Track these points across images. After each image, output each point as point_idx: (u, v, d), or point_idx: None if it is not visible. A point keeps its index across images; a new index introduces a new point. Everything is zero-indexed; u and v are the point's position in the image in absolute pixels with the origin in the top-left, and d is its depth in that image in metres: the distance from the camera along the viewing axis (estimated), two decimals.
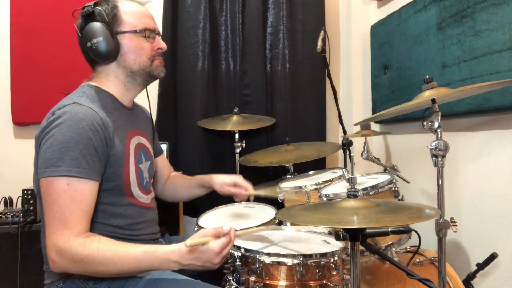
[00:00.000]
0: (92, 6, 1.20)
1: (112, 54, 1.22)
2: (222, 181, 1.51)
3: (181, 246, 1.08)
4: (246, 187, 1.51)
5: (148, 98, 1.42)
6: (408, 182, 1.83)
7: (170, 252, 1.08)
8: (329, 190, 1.63)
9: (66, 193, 1.06)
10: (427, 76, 1.31)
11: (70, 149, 1.07)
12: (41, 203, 1.17)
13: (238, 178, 1.52)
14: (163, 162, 1.58)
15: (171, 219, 2.07)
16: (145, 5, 1.32)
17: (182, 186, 1.59)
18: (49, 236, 1.06)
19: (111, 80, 1.27)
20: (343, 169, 1.25)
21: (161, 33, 1.34)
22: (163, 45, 1.30)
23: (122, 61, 1.25)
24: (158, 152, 1.54)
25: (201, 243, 1.08)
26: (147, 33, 1.26)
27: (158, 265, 1.09)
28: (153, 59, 1.29)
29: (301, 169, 2.11)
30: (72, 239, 1.05)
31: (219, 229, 1.12)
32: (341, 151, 2.18)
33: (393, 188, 1.55)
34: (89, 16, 1.20)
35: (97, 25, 1.18)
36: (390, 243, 1.49)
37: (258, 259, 1.22)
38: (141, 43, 1.25)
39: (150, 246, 1.11)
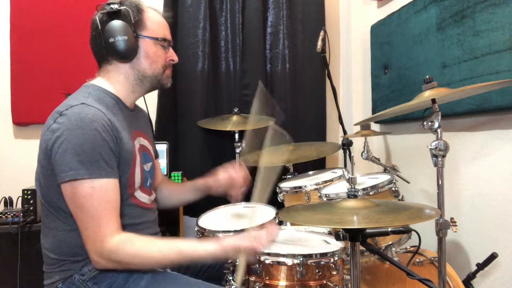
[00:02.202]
0: (119, 4, 1.21)
1: (131, 54, 1.24)
2: (215, 182, 1.47)
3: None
4: (238, 176, 1.45)
5: (145, 101, 1.42)
6: (408, 182, 1.83)
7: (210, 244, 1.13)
8: (329, 190, 1.63)
9: (92, 196, 1.08)
10: (427, 76, 1.31)
11: (87, 151, 1.08)
12: (41, 203, 1.18)
13: (231, 171, 1.46)
14: (157, 166, 1.57)
15: (171, 219, 2.06)
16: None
17: (173, 191, 1.56)
18: (86, 241, 1.10)
19: (120, 80, 1.27)
20: (343, 169, 1.25)
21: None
22: (175, 57, 1.34)
23: (137, 64, 1.26)
24: (155, 156, 1.53)
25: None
26: (165, 43, 1.30)
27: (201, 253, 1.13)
28: (165, 69, 1.32)
29: (301, 169, 2.11)
30: (109, 240, 1.08)
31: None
32: (341, 151, 2.18)
33: (393, 188, 1.55)
34: (115, 14, 1.21)
35: (122, 24, 1.20)
36: (390, 243, 1.49)
37: (258, 259, 1.22)
38: (158, 51, 1.28)
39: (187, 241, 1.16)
